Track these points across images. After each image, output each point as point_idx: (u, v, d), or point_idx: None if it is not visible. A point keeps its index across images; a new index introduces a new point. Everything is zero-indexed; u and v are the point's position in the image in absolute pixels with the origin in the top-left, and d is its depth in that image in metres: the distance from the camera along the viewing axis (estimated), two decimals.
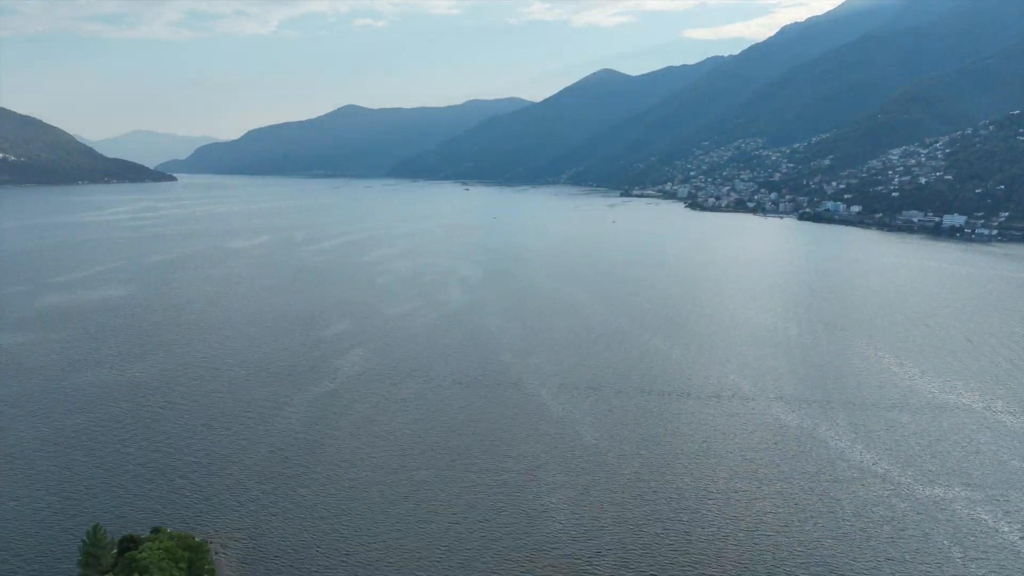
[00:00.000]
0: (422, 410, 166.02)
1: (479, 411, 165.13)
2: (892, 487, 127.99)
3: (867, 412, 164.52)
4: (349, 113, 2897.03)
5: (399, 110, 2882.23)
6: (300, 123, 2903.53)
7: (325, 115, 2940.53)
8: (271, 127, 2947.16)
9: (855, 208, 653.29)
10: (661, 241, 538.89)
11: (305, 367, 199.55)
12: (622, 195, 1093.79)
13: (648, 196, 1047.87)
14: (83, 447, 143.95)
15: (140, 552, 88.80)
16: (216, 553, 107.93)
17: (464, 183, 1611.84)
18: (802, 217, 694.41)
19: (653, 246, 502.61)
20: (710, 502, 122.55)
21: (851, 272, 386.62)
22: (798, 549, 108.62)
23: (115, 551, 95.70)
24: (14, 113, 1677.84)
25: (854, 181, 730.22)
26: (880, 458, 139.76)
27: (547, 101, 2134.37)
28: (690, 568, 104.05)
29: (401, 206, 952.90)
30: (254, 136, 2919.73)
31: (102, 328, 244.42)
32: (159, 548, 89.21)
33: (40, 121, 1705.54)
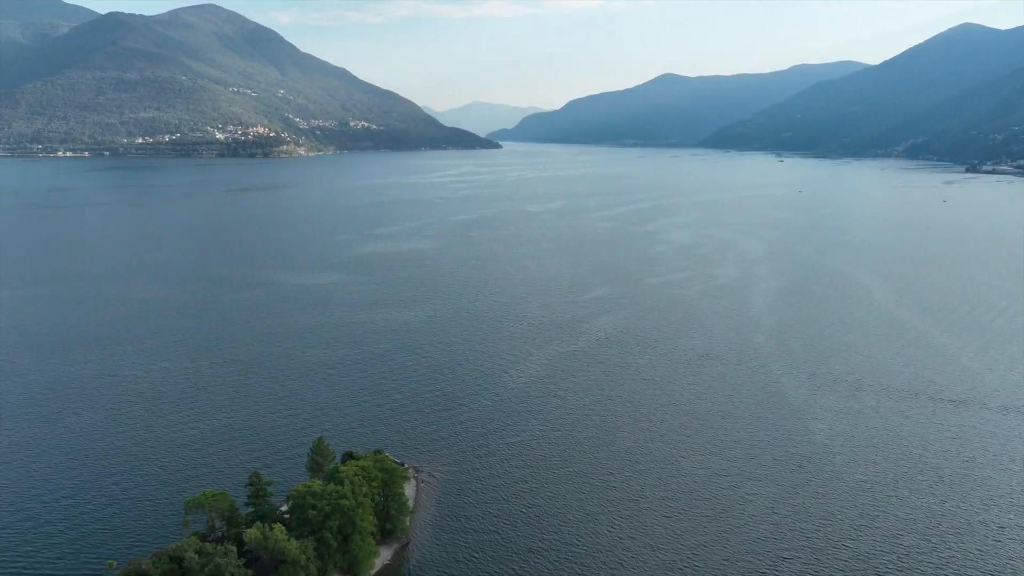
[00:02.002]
0: (649, 381, 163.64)
1: (707, 389, 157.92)
2: None
3: None
4: (666, 82, 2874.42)
5: (717, 78, 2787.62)
6: (618, 93, 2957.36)
7: (643, 84, 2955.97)
8: (590, 97, 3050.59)
9: None
10: (999, 228, 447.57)
11: (554, 326, 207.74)
12: (967, 171, 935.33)
13: (1002, 173, 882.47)
14: (347, 375, 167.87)
15: (344, 466, 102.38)
16: (422, 481, 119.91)
17: (779, 154, 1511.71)
18: None
19: (989, 234, 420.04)
20: (956, 536, 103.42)
21: None
22: None
23: (336, 461, 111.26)
24: (377, 88, 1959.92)
25: None
26: None
27: (887, 63, 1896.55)
28: None
29: (702, 176, 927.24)
30: (574, 106, 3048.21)
31: (398, 275, 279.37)
32: (357, 466, 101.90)
33: (396, 95, 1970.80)
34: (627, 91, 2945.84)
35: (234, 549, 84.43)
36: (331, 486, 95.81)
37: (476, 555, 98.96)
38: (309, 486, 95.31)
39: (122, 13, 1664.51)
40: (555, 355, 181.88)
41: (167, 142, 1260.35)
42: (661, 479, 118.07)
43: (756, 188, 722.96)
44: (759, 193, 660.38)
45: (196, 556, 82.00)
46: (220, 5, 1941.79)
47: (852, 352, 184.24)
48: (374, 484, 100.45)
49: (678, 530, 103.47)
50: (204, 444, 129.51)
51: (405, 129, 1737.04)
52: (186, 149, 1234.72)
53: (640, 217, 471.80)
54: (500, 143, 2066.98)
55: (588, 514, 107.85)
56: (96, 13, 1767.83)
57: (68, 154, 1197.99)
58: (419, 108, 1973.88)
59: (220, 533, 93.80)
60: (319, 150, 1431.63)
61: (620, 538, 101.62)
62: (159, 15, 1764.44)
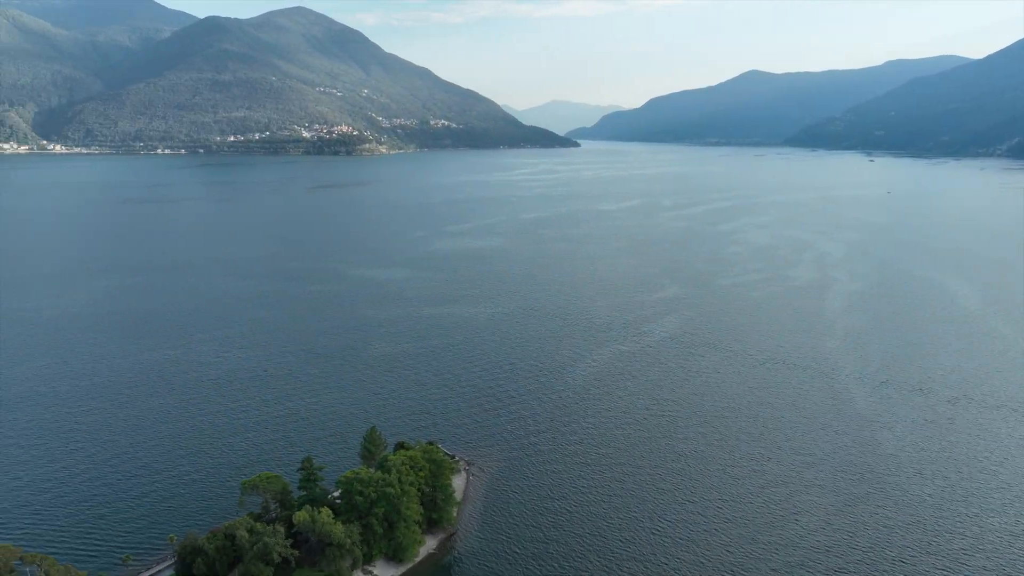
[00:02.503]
0: (710, 384, 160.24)
1: (771, 394, 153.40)
2: None
3: None
4: (751, 79, 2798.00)
5: (805, 74, 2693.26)
6: (700, 90, 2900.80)
7: (727, 81, 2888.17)
8: (672, 95, 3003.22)
9: None
10: None
11: (618, 326, 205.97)
12: None
13: None
14: (409, 367, 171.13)
15: (394, 456, 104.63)
16: (472, 475, 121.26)
17: (869, 153, 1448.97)
18: None
19: None
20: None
21: None
22: None
23: (389, 451, 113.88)
24: (457, 87, 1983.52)
25: None
26: None
27: (991, 57, 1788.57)
28: None
29: (785, 175, 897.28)
30: (655, 104, 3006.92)
31: (466, 272, 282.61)
32: (406, 456, 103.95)
33: (476, 93, 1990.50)
34: (710, 88, 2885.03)
35: (282, 530, 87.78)
36: (378, 474, 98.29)
37: (520, 549, 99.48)
38: (357, 473, 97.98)
39: (219, 17, 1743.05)
40: (616, 355, 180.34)
41: (257, 140, 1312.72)
42: (713, 485, 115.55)
43: (842, 188, 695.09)
44: (845, 194, 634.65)
45: (247, 534, 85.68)
46: (309, 8, 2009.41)
47: (929, 361, 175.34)
48: (421, 474, 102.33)
49: (726, 538, 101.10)
50: (266, 429, 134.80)
51: (484, 128, 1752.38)
52: (274, 147, 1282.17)
53: (716, 217, 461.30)
54: (578, 142, 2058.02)
55: (636, 517, 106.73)
56: (196, 18, 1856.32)
57: (166, 151, 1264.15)
58: (498, 107, 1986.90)
59: (274, 514, 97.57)
60: (400, 148, 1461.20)
61: (665, 543, 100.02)
62: (252, 18, 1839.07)
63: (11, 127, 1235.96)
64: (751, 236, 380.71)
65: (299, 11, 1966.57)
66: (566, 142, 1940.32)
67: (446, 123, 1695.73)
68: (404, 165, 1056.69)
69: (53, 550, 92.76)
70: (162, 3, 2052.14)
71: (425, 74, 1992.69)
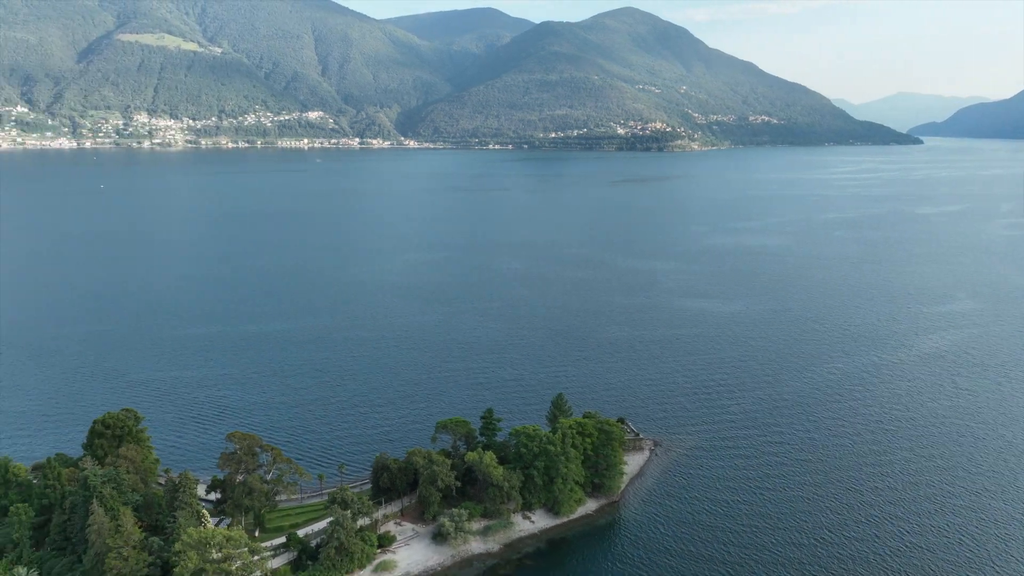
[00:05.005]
0: (960, 409, 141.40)
1: None
2: None
3: None
4: None
5: None
6: None
7: None
8: None
9: None
10: None
11: (877, 336, 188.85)
12: None
13: None
14: (634, 350, 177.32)
15: (568, 421, 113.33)
16: (656, 454, 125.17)
17: None
18: None
19: None
20: None
21: None
22: None
23: (574, 416, 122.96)
24: (782, 80, 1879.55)
25: None
26: None
27: None
28: None
29: None
30: None
31: (729, 268, 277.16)
32: (575, 422, 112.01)
33: (803, 87, 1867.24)
34: None
35: (449, 462, 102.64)
36: (545, 432, 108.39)
37: (678, 530, 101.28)
38: (526, 428, 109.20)
39: (553, 22, 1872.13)
40: (860, 365, 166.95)
41: (575, 136, 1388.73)
42: (917, 514, 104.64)
43: None
44: None
45: (422, 461, 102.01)
46: (637, 7, 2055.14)
47: None
48: (587, 440, 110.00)
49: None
50: (485, 386, 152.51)
51: (808, 123, 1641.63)
52: (589, 143, 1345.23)
53: None
54: (922, 139, 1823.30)
55: (814, 532, 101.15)
56: (533, 24, 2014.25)
57: (496, 147, 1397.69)
58: (828, 101, 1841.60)
59: (462, 452, 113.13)
60: (713, 145, 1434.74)
61: (834, 561, 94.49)
62: (583, 21, 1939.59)
63: (379, 126, 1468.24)
64: None
65: (626, 11, 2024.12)
66: (905, 139, 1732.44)
67: (766, 118, 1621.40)
68: (712, 161, 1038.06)
69: (287, 450, 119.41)
70: (507, 12, 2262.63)
71: (748, 68, 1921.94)
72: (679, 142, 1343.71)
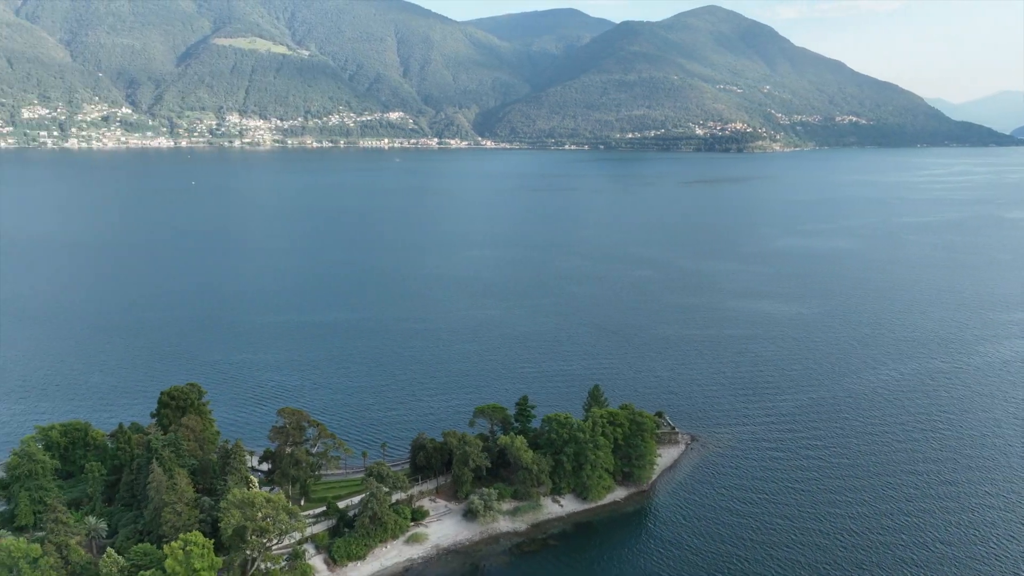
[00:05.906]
0: (1012, 427, 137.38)
1: None
2: None
3: None
4: None
5: None
6: None
7: None
8: None
9: None
10: None
11: (936, 342, 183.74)
12: None
13: None
14: (679, 348, 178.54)
15: (600, 411, 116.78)
16: (691, 449, 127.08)
17: None
18: None
19: None
20: None
21: None
22: None
23: (607, 406, 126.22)
24: (872, 79, 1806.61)
25: None
26: None
27: None
28: None
29: None
30: None
31: (792, 270, 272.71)
32: (607, 411, 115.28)
33: (895, 86, 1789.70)
34: None
35: (481, 444, 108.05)
36: (576, 420, 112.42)
37: (705, 524, 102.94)
38: (558, 416, 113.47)
39: (633, 21, 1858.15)
40: (913, 371, 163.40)
41: (652, 137, 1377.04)
42: (948, 525, 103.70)
43: None
44: None
45: (455, 442, 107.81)
46: (720, 5, 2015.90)
47: None
48: (618, 430, 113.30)
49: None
50: (529, 376, 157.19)
51: (898, 123, 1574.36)
52: (667, 144, 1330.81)
53: None
54: None
55: (840, 541, 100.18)
56: (613, 23, 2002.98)
57: (572, 147, 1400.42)
58: (921, 100, 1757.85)
59: (497, 436, 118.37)
60: (796, 146, 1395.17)
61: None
62: (663, 20, 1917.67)
63: (458, 126, 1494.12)
64: None
65: (709, 10, 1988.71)
66: (1006, 140, 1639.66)
67: (853, 119, 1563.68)
68: (793, 162, 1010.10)
69: (335, 428, 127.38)
70: (587, 12, 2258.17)
71: (836, 67, 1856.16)
72: (759, 143, 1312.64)
